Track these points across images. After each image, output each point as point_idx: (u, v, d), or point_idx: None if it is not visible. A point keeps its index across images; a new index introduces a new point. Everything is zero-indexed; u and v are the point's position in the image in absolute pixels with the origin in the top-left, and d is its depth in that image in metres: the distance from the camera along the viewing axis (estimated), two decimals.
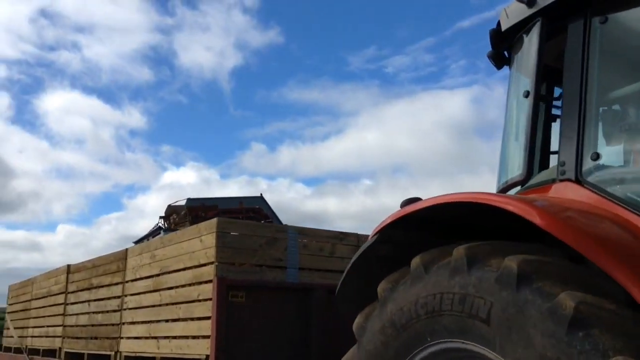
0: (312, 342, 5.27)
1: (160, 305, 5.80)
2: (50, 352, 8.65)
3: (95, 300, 7.37)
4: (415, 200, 3.18)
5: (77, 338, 7.74)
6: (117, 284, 6.86)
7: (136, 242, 10.21)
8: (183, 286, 5.46)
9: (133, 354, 6.16)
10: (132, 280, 6.50)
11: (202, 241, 5.27)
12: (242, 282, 5.05)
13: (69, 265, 8.54)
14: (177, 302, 5.48)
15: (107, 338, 6.84)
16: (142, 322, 6.08)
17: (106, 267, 7.21)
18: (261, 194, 10.78)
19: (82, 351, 7.44)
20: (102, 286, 7.25)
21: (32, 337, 9.77)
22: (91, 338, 7.30)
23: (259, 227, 5.34)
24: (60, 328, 8.38)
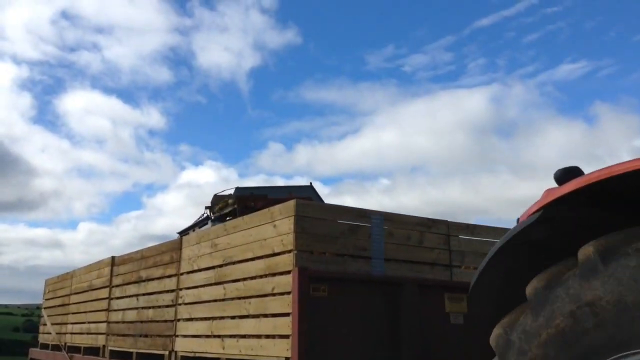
0: (403, 344, 4.60)
1: (224, 299, 5.18)
2: (93, 350, 8.12)
3: (144, 294, 6.80)
4: (574, 170, 2.50)
5: (124, 335, 7.17)
6: (170, 276, 6.27)
7: (181, 233, 9.65)
8: (253, 278, 4.83)
9: (191, 354, 5.56)
10: (189, 272, 5.89)
11: (275, 227, 4.63)
12: (323, 274, 4.41)
13: (113, 257, 8.00)
14: (246, 296, 4.85)
15: (160, 336, 6.25)
16: (203, 319, 5.47)
17: (157, 258, 6.63)
18: (310, 183, 10.09)
19: (130, 350, 6.87)
20: (153, 279, 6.67)
21: (71, 333, 9.26)
22: (140, 336, 6.72)
23: (341, 211, 4.68)
24: (104, 324, 7.83)
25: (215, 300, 5.32)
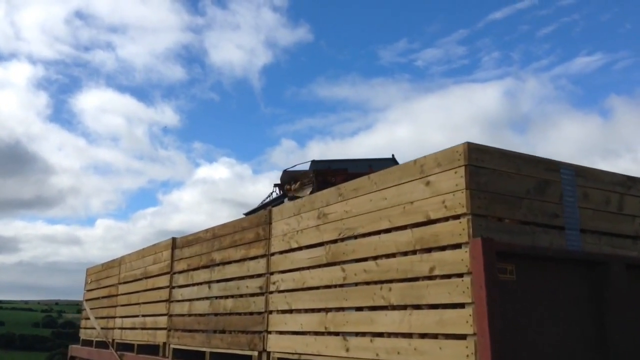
0: (610, 345, 3.28)
1: (343, 285, 3.92)
2: (150, 348, 6.96)
3: (219, 280, 5.58)
4: None
5: (191, 331, 5.97)
6: (256, 257, 5.04)
7: (247, 214, 8.44)
8: (392, 255, 3.55)
9: (294, 356, 4.31)
10: (285, 252, 4.65)
11: (430, 184, 3.35)
12: (513, 249, 3.11)
13: (174, 239, 6.81)
14: (383, 280, 3.58)
15: (244, 332, 5.03)
16: (310, 310, 4.22)
17: (237, 236, 5.40)
18: (393, 155, 8.83)
19: (201, 348, 5.67)
20: (231, 262, 5.44)
21: (121, 329, 8.13)
22: (215, 331, 5.51)
23: (525, 162, 3.37)
24: (164, 318, 6.65)
25: (329, 286, 4.07)
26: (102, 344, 8.85)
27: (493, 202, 3.16)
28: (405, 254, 3.47)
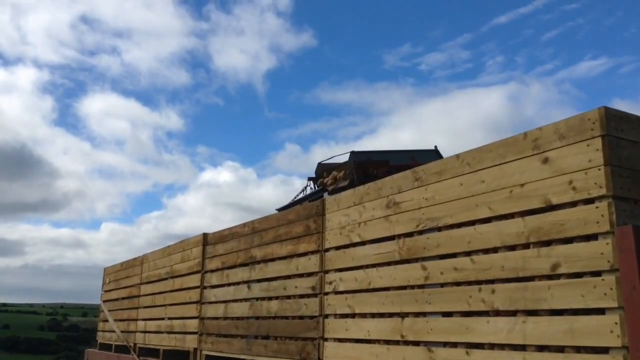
0: None
1: (424, 285, 3.29)
2: (178, 355, 6.36)
3: (261, 280, 4.97)
4: None
5: (229, 336, 5.37)
6: (307, 253, 4.42)
7: (280, 210, 7.82)
8: (494, 250, 2.92)
9: None
10: (342, 247, 4.03)
11: (548, 161, 2.71)
12: None
13: (205, 235, 6.20)
14: (482, 280, 2.95)
15: (293, 338, 4.41)
16: (379, 315, 3.59)
17: (282, 230, 4.79)
18: (435, 147, 8.18)
19: (241, 356, 5.05)
20: (275, 259, 4.83)
21: (144, 332, 7.54)
22: (257, 337, 4.90)
23: None
24: (195, 321, 6.05)
25: (403, 287, 3.44)
26: (122, 349, 8.28)
27: (637, 182, 2.52)
28: (512, 248, 2.83)
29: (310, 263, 4.36)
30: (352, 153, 7.70)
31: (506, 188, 2.90)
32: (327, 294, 4.14)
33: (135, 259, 8.48)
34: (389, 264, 3.59)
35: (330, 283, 4.11)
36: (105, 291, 9.94)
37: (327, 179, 7.81)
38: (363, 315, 3.76)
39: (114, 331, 8.75)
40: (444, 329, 3.13)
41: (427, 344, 3.21)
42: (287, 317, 4.56)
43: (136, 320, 7.89)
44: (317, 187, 8.31)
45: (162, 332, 6.89)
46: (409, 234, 3.47)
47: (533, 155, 2.79)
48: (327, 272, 4.18)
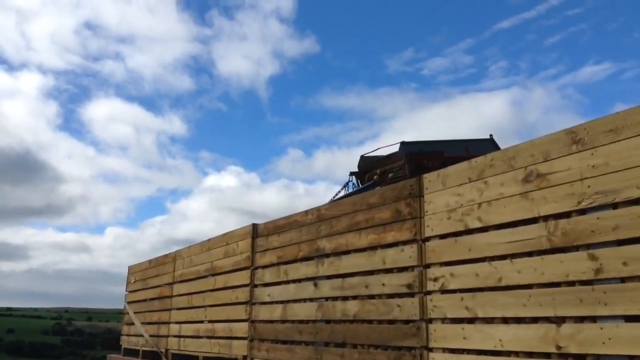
0: None
1: (591, 281, 2.47)
2: None
3: (332, 276, 4.17)
4: None
5: (289, 342, 4.56)
6: (396, 244, 3.61)
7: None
8: None
9: None
10: (454, 235, 3.21)
11: None
12: None
13: (255, 225, 5.41)
14: None
15: (382, 347, 3.60)
16: (516, 320, 2.77)
17: (358, 217, 3.98)
18: (491, 135, 7.43)
19: None
20: (351, 251, 4.02)
21: (178, 337, 6.75)
22: (329, 344, 4.09)
23: None
24: (244, 325, 5.25)
25: (558, 284, 2.62)
26: (151, 355, 7.50)
27: None
28: None
29: (404, 255, 3.55)
30: (403, 144, 6.95)
31: None
32: (430, 292, 3.32)
33: (166, 255, 7.71)
34: (530, 254, 2.78)
35: (435, 280, 3.29)
36: (130, 292, 9.18)
37: (375, 171, 7.09)
38: (489, 320, 2.94)
39: (141, 335, 7.97)
40: (631, 338, 2.30)
41: (601, 358, 2.39)
42: (370, 321, 3.75)
43: (168, 323, 7.11)
44: (367, 180, 7.52)
45: (200, 337, 6.10)
46: (565, 215, 2.65)
47: None
48: (428, 266, 3.37)
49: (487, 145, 7.19)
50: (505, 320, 2.86)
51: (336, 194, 8.32)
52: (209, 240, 6.36)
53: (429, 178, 3.51)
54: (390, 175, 6.81)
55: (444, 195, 3.35)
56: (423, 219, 3.46)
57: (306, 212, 4.68)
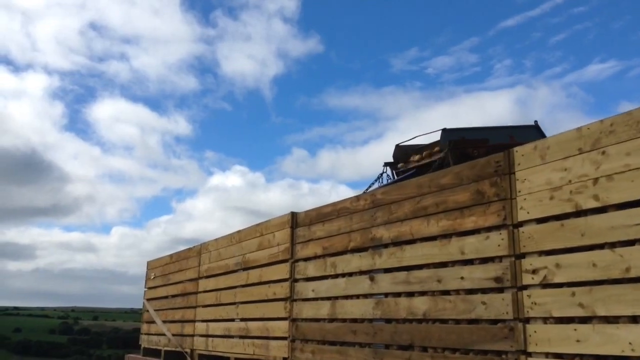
0: None
1: None
2: None
3: (393, 269, 3.64)
4: None
5: (340, 344, 4.04)
6: (478, 230, 3.08)
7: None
8: None
9: None
10: (558, 217, 2.68)
11: None
12: None
13: (293, 214, 4.90)
14: None
15: (463, 351, 3.07)
16: None
17: (427, 200, 3.45)
18: (536, 122, 6.91)
19: None
20: (417, 240, 3.50)
21: (205, 336, 6.25)
22: (390, 346, 3.56)
23: None
24: (283, 323, 4.74)
25: None
26: (175, 355, 7.01)
27: None
28: None
29: (489, 244, 3.02)
30: (444, 131, 6.44)
31: None
32: (526, 287, 2.79)
33: (190, 249, 7.22)
34: None
35: (533, 272, 2.76)
36: (150, 288, 8.70)
37: (411, 160, 6.59)
38: (612, 320, 2.40)
39: (163, 334, 7.49)
40: None
41: None
42: (446, 321, 3.22)
43: (194, 321, 6.61)
44: (401, 170, 7.02)
45: (232, 337, 5.59)
46: None
47: None
48: (523, 255, 2.84)
49: (532, 132, 6.69)
50: (635, 319, 2.33)
51: (368, 187, 7.81)
52: (239, 231, 5.85)
53: (521, 152, 2.98)
54: (435, 163, 6.29)
55: (543, 172, 2.81)
56: (515, 200, 2.93)
57: (357, 198, 4.16)
